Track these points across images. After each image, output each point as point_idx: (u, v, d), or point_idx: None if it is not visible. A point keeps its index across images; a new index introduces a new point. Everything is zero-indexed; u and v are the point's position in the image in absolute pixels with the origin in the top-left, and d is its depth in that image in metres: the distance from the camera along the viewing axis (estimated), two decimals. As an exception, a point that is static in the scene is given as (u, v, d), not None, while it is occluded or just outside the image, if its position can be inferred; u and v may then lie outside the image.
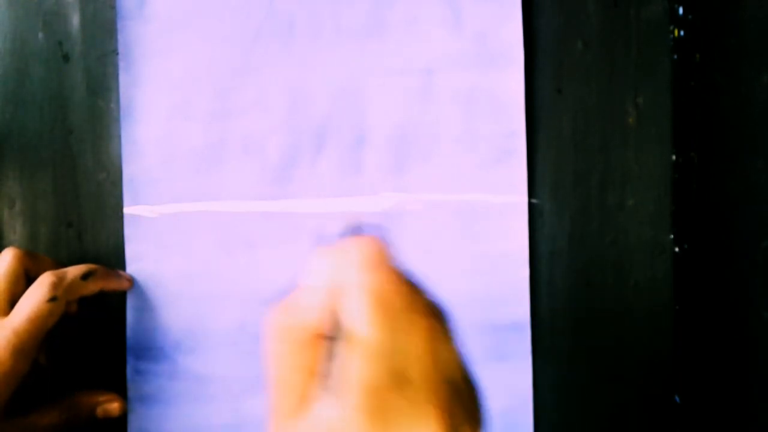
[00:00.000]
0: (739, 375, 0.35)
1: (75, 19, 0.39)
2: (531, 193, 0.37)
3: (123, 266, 0.39)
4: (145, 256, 0.39)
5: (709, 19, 0.36)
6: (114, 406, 0.37)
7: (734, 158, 0.36)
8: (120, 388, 0.38)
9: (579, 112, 0.37)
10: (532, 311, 0.37)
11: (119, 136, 0.39)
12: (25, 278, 0.36)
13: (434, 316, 0.23)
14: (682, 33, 0.37)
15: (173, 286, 0.39)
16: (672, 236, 0.37)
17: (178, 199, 0.39)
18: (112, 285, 0.37)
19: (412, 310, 0.22)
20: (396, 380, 0.21)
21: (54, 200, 0.40)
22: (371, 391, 0.21)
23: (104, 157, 0.39)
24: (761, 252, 0.34)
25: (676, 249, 0.37)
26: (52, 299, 0.34)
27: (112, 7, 0.39)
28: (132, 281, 0.38)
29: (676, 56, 0.37)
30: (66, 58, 0.39)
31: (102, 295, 0.37)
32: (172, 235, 0.39)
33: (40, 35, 0.39)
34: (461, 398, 0.22)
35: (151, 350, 0.39)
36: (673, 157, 0.37)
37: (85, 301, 0.37)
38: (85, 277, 0.36)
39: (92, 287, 0.36)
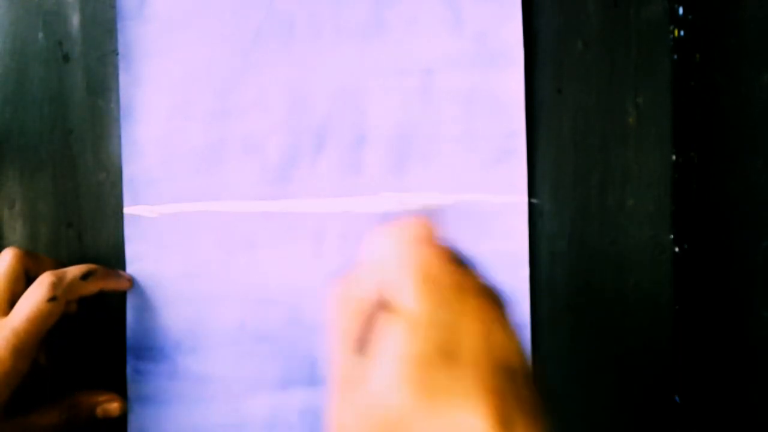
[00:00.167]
0: (739, 375, 0.35)
1: (75, 19, 0.39)
2: (531, 193, 0.37)
3: (123, 266, 0.39)
4: (145, 256, 0.39)
5: (709, 19, 0.36)
6: (114, 406, 0.37)
7: (734, 158, 0.36)
8: (120, 388, 0.38)
9: (579, 112, 0.37)
10: (532, 311, 0.37)
11: (119, 136, 0.39)
12: (25, 278, 0.36)
13: (487, 297, 0.23)
14: (682, 33, 0.37)
15: (173, 286, 0.39)
16: (672, 236, 0.37)
17: (178, 199, 0.39)
18: (112, 285, 0.37)
19: (462, 288, 0.22)
20: (443, 357, 0.21)
21: (54, 200, 0.40)
22: (416, 363, 0.20)
23: (104, 157, 0.39)
24: (761, 252, 0.34)
25: (676, 249, 0.37)
26: (52, 299, 0.34)
27: (112, 7, 0.39)
28: (132, 281, 0.38)
29: (676, 56, 0.37)
30: (66, 58, 0.39)
31: (102, 295, 0.37)
32: (172, 235, 0.39)
33: (40, 35, 0.40)
34: (516, 387, 0.21)
35: (151, 350, 0.39)
36: (673, 157, 0.37)
37: (85, 301, 0.37)
38: (85, 277, 0.36)
39: (92, 287, 0.36)
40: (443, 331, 0.21)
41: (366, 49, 0.38)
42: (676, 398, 0.37)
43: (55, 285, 0.34)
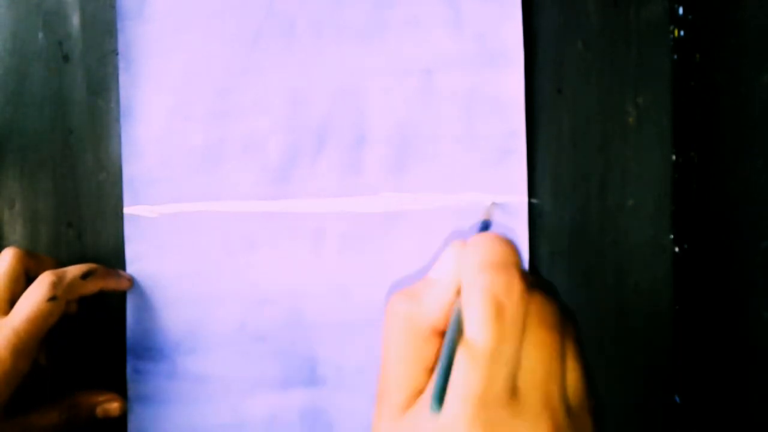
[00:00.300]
0: (739, 375, 0.35)
1: (75, 19, 0.39)
2: (531, 193, 0.37)
3: (123, 266, 0.39)
4: (145, 256, 0.39)
5: (709, 19, 0.36)
6: (114, 406, 0.37)
7: (734, 158, 0.36)
8: (120, 388, 0.38)
9: (579, 112, 0.37)
10: (532, 311, 0.37)
11: (119, 136, 0.39)
12: (25, 278, 0.36)
13: (558, 329, 0.21)
14: (682, 33, 0.37)
15: (173, 286, 0.39)
16: (672, 236, 0.37)
17: (178, 199, 0.39)
18: (111, 284, 0.37)
19: (531, 319, 0.21)
20: (507, 393, 0.20)
21: (54, 200, 0.40)
22: (482, 403, 0.20)
23: (104, 157, 0.39)
24: (761, 252, 0.34)
25: (676, 249, 0.37)
26: (52, 298, 0.34)
27: (112, 7, 0.39)
28: (132, 281, 0.38)
29: (676, 56, 0.37)
30: (66, 58, 0.39)
31: (102, 295, 0.37)
32: (172, 235, 0.39)
33: (40, 35, 0.40)
34: (575, 426, 0.21)
35: (150, 350, 0.39)
36: (673, 157, 0.37)
37: (85, 301, 0.37)
38: (85, 276, 0.36)
39: (92, 287, 0.36)
40: (509, 366, 0.20)
41: (366, 49, 0.38)
42: (676, 398, 0.37)
43: (55, 284, 0.34)
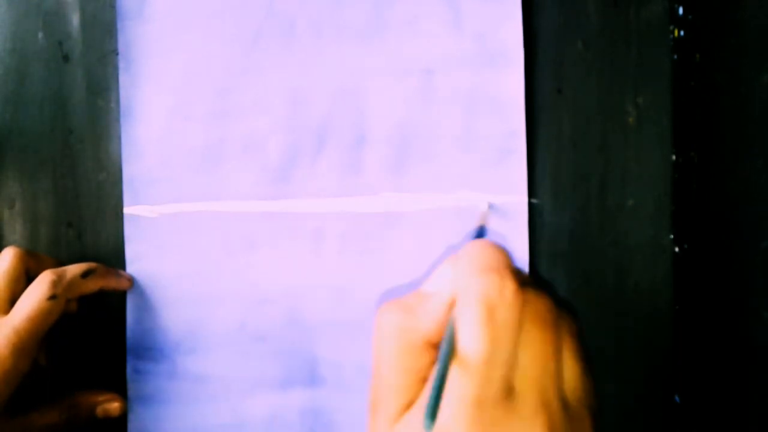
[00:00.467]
0: (739, 375, 0.35)
1: (75, 19, 0.39)
2: (531, 193, 0.37)
3: (123, 266, 0.39)
4: (145, 256, 0.39)
5: (709, 19, 0.36)
6: (114, 406, 0.37)
7: (734, 158, 0.36)
8: (120, 388, 0.38)
9: (579, 112, 0.37)
10: (532, 311, 0.37)
11: (119, 136, 0.39)
12: (25, 277, 0.36)
13: (553, 326, 0.21)
14: (682, 33, 0.37)
15: (173, 286, 0.39)
16: (672, 236, 0.37)
17: (178, 199, 0.39)
18: (111, 284, 0.37)
19: (526, 319, 0.21)
20: (504, 393, 0.20)
21: (54, 200, 0.40)
22: (478, 405, 0.20)
23: (104, 157, 0.39)
24: (761, 252, 0.34)
25: (676, 249, 0.37)
26: (52, 297, 0.34)
27: (112, 7, 0.39)
28: (132, 281, 0.38)
29: (676, 56, 0.37)
30: (66, 58, 0.39)
31: (102, 295, 0.37)
32: (172, 235, 0.39)
33: (40, 35, 0.40)
34: (572, 422, 0.21)
35: (151, 350, 0.39)
36: (673, 157, 0.37)
37: (85, 301, 0.37)
38: (85, 275, 0.36)
39: (92, 286, 0.36)
40: (504, 368, 0.20)
41: (366, 49, 0.38)
42: (676, 398, 0.37)
43: (55, 283, 0.34)
